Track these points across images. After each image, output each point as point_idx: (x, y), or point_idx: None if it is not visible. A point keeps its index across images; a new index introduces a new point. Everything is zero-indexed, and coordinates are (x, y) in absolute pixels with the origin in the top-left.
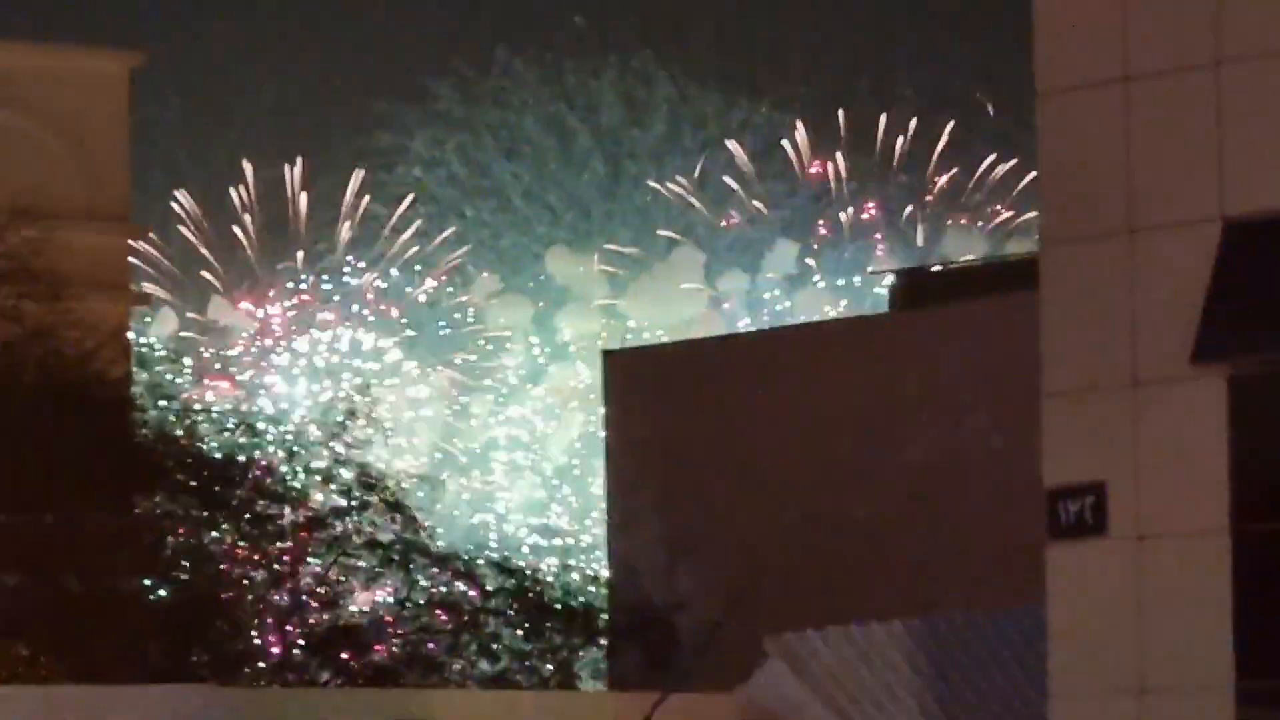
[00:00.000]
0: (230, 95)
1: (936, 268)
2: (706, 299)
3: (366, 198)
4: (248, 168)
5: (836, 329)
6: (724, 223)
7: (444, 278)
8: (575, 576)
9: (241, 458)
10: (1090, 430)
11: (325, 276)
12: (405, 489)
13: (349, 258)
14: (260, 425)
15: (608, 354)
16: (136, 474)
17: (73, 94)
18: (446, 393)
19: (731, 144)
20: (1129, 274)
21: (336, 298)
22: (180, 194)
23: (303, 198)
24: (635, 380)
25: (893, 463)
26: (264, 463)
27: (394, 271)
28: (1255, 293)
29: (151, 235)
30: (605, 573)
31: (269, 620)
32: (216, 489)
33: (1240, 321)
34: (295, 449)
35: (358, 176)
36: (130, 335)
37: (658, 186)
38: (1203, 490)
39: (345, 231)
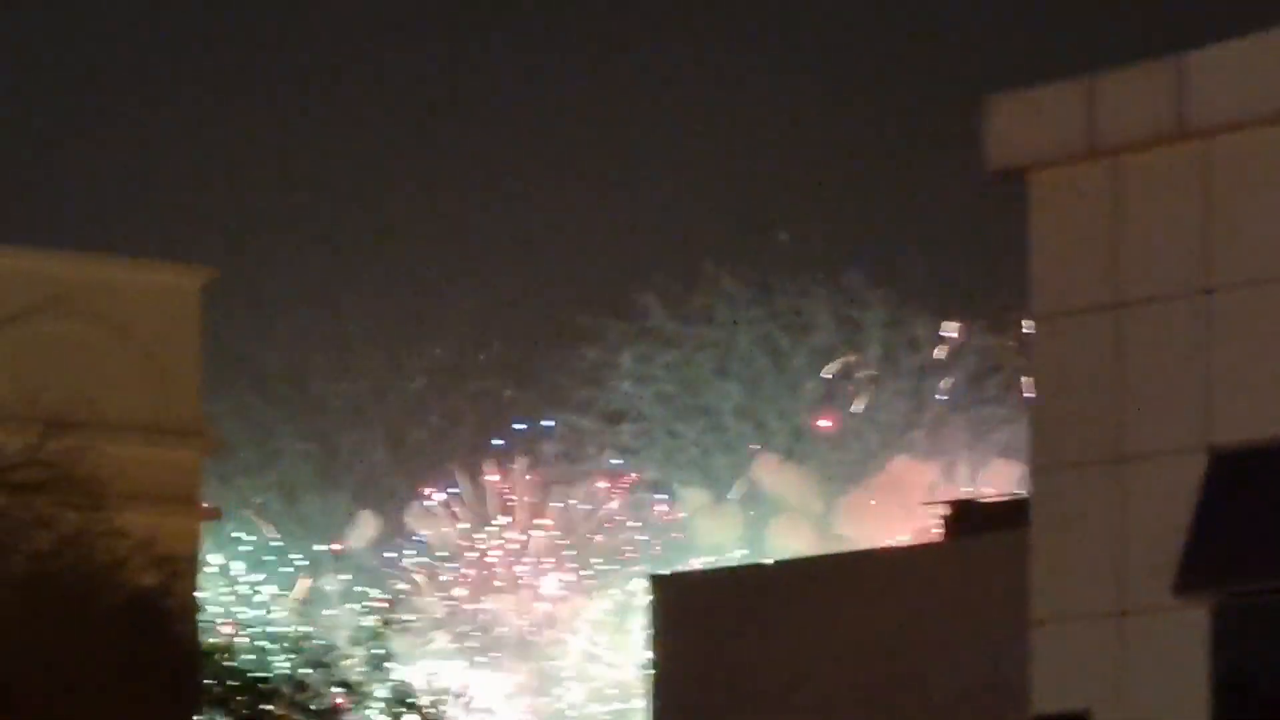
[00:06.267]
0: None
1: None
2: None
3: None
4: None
5: (888, 556)
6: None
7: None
8: None
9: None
10: (1076, 658)
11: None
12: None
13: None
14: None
15: (655, 579)
16: (173, 689)
17: (145, 307)
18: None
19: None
20: (1117, 502)
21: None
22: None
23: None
24: (684, 605)
25: (930, 688)
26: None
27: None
28: (1240, 523)
29: None
30: None
31: None
32: (254, 706)
33: (1224, 552)
34: (326, 662)
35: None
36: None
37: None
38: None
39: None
